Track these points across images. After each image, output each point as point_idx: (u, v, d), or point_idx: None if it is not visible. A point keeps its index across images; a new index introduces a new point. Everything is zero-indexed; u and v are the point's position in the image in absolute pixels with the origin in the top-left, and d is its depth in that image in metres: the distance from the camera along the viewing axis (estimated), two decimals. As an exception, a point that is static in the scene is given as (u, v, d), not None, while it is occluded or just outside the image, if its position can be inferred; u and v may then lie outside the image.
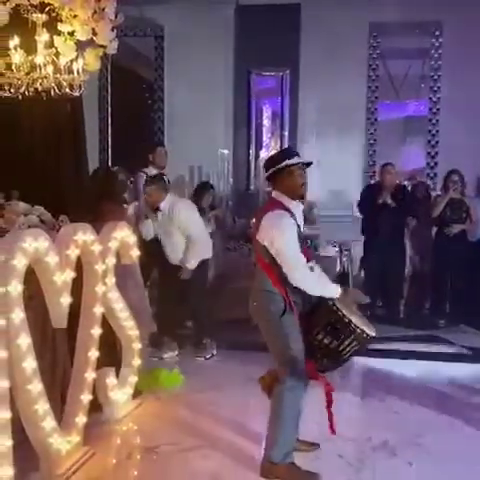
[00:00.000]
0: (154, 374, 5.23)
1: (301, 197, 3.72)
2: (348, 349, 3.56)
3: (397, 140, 9.55)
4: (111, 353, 4.63)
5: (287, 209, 3.58)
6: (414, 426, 4.44)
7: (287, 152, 3.81)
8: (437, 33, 8.59)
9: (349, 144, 8.78)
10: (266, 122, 8.95)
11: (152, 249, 5.78)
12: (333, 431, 3.70)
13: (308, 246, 6.27)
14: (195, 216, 6.04)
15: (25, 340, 3.24)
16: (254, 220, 3.81)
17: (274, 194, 3.68)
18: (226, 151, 8.41)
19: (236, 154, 8.93)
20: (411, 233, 7.64)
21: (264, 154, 8.58)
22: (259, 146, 8.95)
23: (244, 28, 8.89)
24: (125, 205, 5.99)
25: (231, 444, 4.13)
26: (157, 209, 5.87)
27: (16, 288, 3.17)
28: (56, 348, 4.19)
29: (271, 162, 3.68)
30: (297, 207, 3.69)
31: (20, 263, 3.20)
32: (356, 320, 3.52)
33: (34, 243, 3.34)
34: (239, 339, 6.14)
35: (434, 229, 7.45)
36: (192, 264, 5.86)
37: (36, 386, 3.35)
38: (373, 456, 3.98)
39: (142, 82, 9.54)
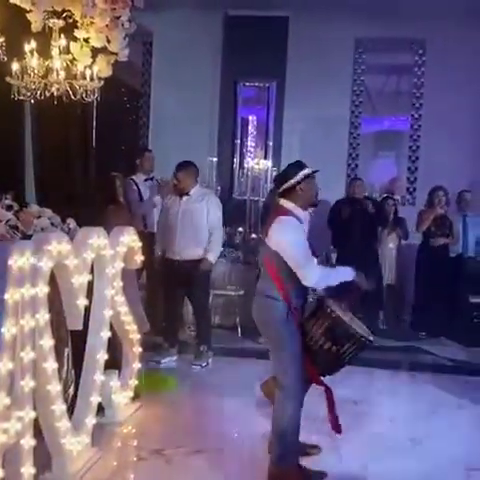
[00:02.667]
0: (149, 378, 5.29)
1: (314, 205, 3.88)
2: (348, 353, 3.70)
3: (370, 154, 9.71)
4: (113, 356, 4.67)
5: (296, 217, 3.74)
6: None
7: (300, 164, 3.93)
8: (420, 51, 8.85)
9: (332, 157, 8.94)
10: (251, 132, 9.07)
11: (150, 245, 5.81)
12: (338, 431, 3.82)
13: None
14: (220, 212, 6.13)
15: (48, 341, 3.29)
16: (262, 227, 3.93)
17: (282, 202, 3.81)
18: (215, 159, 8.48)
19: (221, 162, 9.03)
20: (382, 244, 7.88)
21: (252, 163, 8.67)
22: (244, 155, 9.07)
23: (232, 38, 9.01)
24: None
25: (234, 448, 4.25)
26: (186, 194, 5.93)
27: (42, 290, 3.22)
28: (59, 349, 4.23)
29: (286, 176, 3.82)
30: (305, 216, 3.86)
31: (46, 265, 3.26)
32: (354, 325, 3.67)
33: (58, 246, 3.40)
34: (230, 346, 6.26)
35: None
36: (214, 257, 5.92)
37: (55, 387, 3.40)
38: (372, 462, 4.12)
39: (128, 88, 9.54)
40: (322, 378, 3.80)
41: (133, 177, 7.05)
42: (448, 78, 8.56)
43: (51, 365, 3.33)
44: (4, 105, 4.40)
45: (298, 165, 3.89)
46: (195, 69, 8.93)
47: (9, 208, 4.25)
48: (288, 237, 3.66)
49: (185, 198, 5.98)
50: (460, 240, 7.48)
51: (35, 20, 3.97)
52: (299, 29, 8.81)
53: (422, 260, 7.48)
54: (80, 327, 3.76)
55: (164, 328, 6.22)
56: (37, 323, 3.18)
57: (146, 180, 7.09)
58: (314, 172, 3.83)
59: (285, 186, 3.77)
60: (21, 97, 4.24)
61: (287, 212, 3.74)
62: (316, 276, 3.64)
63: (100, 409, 4.44)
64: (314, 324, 3.70)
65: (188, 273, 5.87)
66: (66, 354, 4.26)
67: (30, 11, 3.95)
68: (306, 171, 3.79)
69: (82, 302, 3.71)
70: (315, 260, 3.70)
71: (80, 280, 3.67)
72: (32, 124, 4.63)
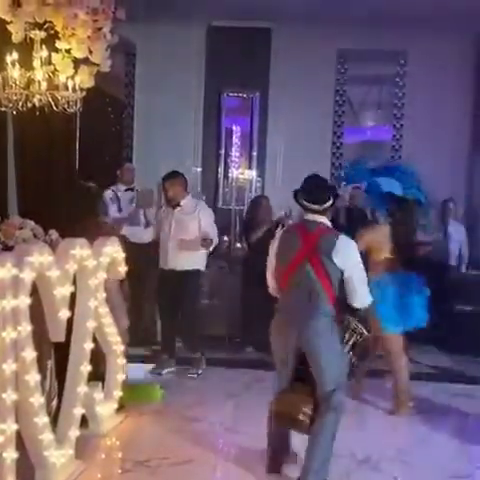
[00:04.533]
0: (135, 388, 5.26)
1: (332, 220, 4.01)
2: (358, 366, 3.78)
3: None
4: (96, 367, 4.65)
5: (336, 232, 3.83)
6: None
7: (331, 182, 4.00)
8: (402, 61, 8.92)
9: (315, 166, 8.86)
10: (235, 142, 9.09)
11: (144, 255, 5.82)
12: None
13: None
14: (212, 221, 6.16)
15: (30, 353, 3.27)
16: (296, 243, 3.78)
17: (316, 217, 3.81)
18: (199, 169, 8.50)
19: (205, 172, 9.04)
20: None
21: (236, 173, 8.69)
22: (228, 165, 9.08)
23: (215, 49, 9.01)
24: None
25: (220, 459, 4.23)
26: (177, 205, 5.93)
27: (24, 301, 3.21)
28: (42, 360, 4.20)
29: (329, 193, 3.85)
30: None
31: (28, 277, 3.25)
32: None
33: (39, 257, 3.38)
34: (217, 356, 6.25)
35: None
36: (215, 238, 5.94)
37: (38, 399, 3.38)
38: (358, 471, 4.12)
39: (111, 98, 9.52)
40: None
41: (113, 188, 7.09)
42: (430, 89, 8.63)
43: (33, 377, 3.32)
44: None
45: (330, 182, 3.94)
46: (179, 79, 8.93)
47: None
48: (356, 255, 3.73)
49: (177, 209, 6.00)
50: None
51: (16, 31, 3.97)
52: (282, 40, 8.86)
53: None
54: (62, 339, 3.74)
55: (162, 339, 6.25)
56: (19, 335, 3.16)
57: (126, 190, 7.11)
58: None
59: (327, 205, 3.81)
60: (2, 108, 4.23)
61: (331, 228, 3.82)
62: (369, 298, 3.75)
63: (84, 421, 4.42)
64: (342, 339, 3.71)
65: (179, 283, 5.90)
66: (49, 366, 4.25)
67: (10, 22, 3.95)
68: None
69: (64, 314, 3.69)
70: None
71: (62, 292, 3.66)
72: (14, 135, 4.61)
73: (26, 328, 3.23)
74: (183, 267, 5.94)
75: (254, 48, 8.90)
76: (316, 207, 3.78)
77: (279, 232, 4.10)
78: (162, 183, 6.10)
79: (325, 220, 3.81)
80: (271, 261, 3.90)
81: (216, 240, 6.05)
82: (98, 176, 7.87)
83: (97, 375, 4.69)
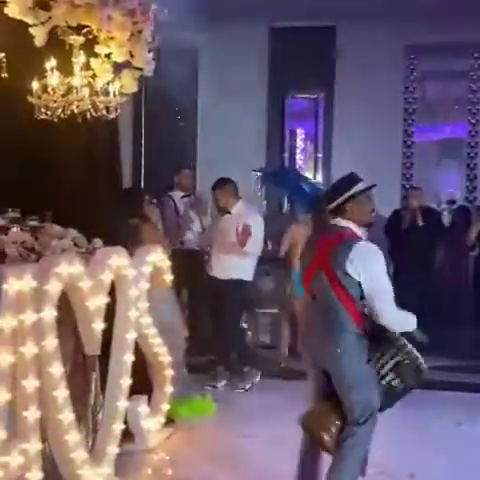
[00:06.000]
0: (186, 402, 5.11)
1: (370, 224, 3.49)
2: (405, 388, 3.38)
3: (433, 163, 9.40)
4: (142, 380, 4.51)
5: (359, 237, 3.36)
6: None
7: (352, 177, 3.48)
8: (476, 55, 8.44)
9: (385, 167, 8.60)
10: (300, 144, 8.86)
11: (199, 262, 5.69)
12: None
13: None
14: (261, 232, 5.84)
15: (58, 368, 3.14)
16: (314, 249, 3.46)
17: (337, 221, 3.42)
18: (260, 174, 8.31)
19: (269, 177, 8.84)
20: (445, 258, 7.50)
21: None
22: (292, 168, 8.85)
23: (278, 51, 8.84)
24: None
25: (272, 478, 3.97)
26: (227, 212, 5.78)
27: (50, 314, 3.09)
28: (87, 374, 4.10)
29: (337, 191, 3.45)
30: (364, 235, 3.45)
31: (54, 288, 3.12)
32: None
33: (69, 268, 3.26)
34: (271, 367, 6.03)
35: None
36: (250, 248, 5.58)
37: (67, 416, 3.25)
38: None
39: (175, 105, 9.51)
40: None
41: (170, 193, 7.02)
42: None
43: (62, 393, 3.19)
44: (29, 123, 4.32)
45: (350, 178, 3.44)
46: (241, 83, 8.78)
47: (33, 228, 4.18)
48: (376, 266, 3.23)
49: (226, 216, 5.84)
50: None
51: (38, 34, 3.88)
52: (346, 38, 8.56)
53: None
54: (97, 352, 3.63)
55: (214, 350, 6.05)
56: (43, 350, 3.04)
57: (183, 197, 7.01)
58: (370, 188, 3.41)
59: (335, 203, 3.36)
60: (43, 116, 4.16)
61: (351, 234, 3.33)
62: (395, 315, 3.24)
63: (129, 436, 4.29)
64: (379, 359, 3.30)
65: (221, 292, 5.71)
66: (94, 378, 4.15)
67: (33, 25, 3.87)
68: (360, 186, 3.36)
69: (99, 326, 3.56)
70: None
71: (96, 303, 3.53)
72: (53, 143, 4.55)
73: (52, 342, 3.10)
74: (225, 275, 5.73)
75: (317, 48, 8.64)
76: (326, 207, 3.46)
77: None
78: (212, 192, 5.94)
79: (349, 224, 3.35)
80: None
81: (258, 248, 5.73)
82: (161, 180, 7.88)
83: (146, 387, 4.58)
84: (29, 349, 2.88)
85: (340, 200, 3.36)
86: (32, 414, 2.92)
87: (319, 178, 8.68)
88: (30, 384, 2.90)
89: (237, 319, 5.99)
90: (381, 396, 3.27)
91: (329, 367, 3.31)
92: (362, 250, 3.24)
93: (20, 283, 2.80)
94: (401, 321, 3.29)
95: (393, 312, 3.23)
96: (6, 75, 3.28)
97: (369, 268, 3.22)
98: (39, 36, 3.85)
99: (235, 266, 5.74)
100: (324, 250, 3.33)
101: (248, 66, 8.84)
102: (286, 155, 8.88)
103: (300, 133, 8.81)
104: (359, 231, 3.38)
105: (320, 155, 8.84)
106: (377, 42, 8.33)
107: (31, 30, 3.85)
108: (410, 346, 3.28)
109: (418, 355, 3.29)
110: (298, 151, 8.79)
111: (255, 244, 5.63)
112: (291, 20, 8.58)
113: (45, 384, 3.07)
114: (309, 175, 8.74)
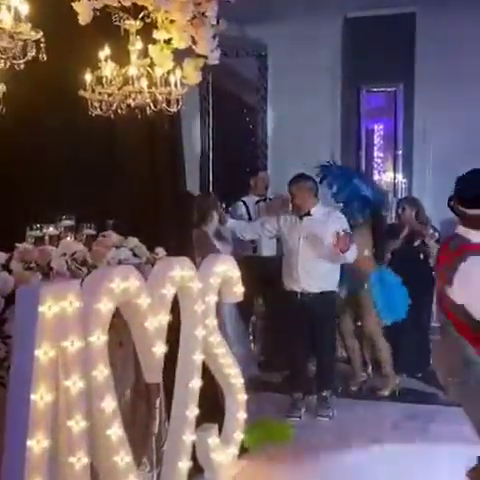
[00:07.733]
0: (261, 426, 4.58)
1: None
2: None
3: None
4: (212, 406, 4.01)
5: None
6: None
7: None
8: None
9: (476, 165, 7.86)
10: (377, 142, 8.25)
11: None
12: None
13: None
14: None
15: (110, 403, 2.65)
16: (443, 266, 2.95)
17: (460, 230, 2.92)
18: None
19: (344, 177, 8.24)
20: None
21: (380, 177, 7.83)
22: (370, 168, 8.25)
23: (352, 42, 8.27)
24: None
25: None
26: (306, 214, 5.14)
27: (99, 338, 2.61)
28: (150, 398, 3.64)
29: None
30: None
31: (105, 307, 2.65)
32: None
33: (123, 283, 2.78)
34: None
35: None
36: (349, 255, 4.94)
37: (124, 458, 2.75)
38: None
39: (243, 104, 9.08)
40: None
41: (244, 199, 6.57)
42: None
43: (116, 432, 2.69)
44: (84, 120, 3.89)
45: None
46: (313, 78, 8.25)
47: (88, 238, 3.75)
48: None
49: (306, 219, 5.13)
50: None
51: (82, 11, 3.43)
52: (427, 25, 7.88)
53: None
54: (158, 380, 3.14)
55: (292, 374, 5.43)
56: (93, 381, 2.56)
57: (258, 202, 6.55)
58: None
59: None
60: (97, 112, 3.73)
61: (472, 246, 2.80)
62: None
63: (198, 468, 3.80)
64: None
65: (312, 307, 5.05)
66: (158, 404, 3.68)
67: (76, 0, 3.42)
68: None
69: (160, 349, 3.07)
70: None
71: (156, 322, 3.04)
72: (109, 142, 4.10)
73: (103, 372, 2.61)
74: (316, 288, 5.08)
75: (395, 37, 7.99)
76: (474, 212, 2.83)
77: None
78: (288, 188, 5.30)
79: (461, 229, 2.85)
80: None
81: (352, 255, 5.01)
82: (229, 185, 7.43)
83: (216, 415, 4.08)
84: (74, 384, 2.40)
85: None
86: (80, 460, 2.44)
87: (399, 177, 8.02)
88: (77, 424, 2.42)
89: (334, 334, 5.40)
90: None
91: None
92: (468, 267, 2.73)
93: (61, 304, 2.32)
94: None
95: None
96: (44, 56, 2.80)
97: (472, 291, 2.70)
98: (84, 13, 3.40)
99: (326, 277, 5.13)
100: (440, 269, 2.89)
101: (320, 61, 8.27)
102: (362, 153, 8.27)
103: (378, 129, 8.19)
104: None
105: (400, 152, 8.19)
106: (464, 26, 7.60)
107: (74, 6, 3.41)
108: None
109: None
110: (376, 148, 8.17)
111: (353, 251, 4.98)
112: (366, 9, 8.00)
113: (96, 423, 2.59)
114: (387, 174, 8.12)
